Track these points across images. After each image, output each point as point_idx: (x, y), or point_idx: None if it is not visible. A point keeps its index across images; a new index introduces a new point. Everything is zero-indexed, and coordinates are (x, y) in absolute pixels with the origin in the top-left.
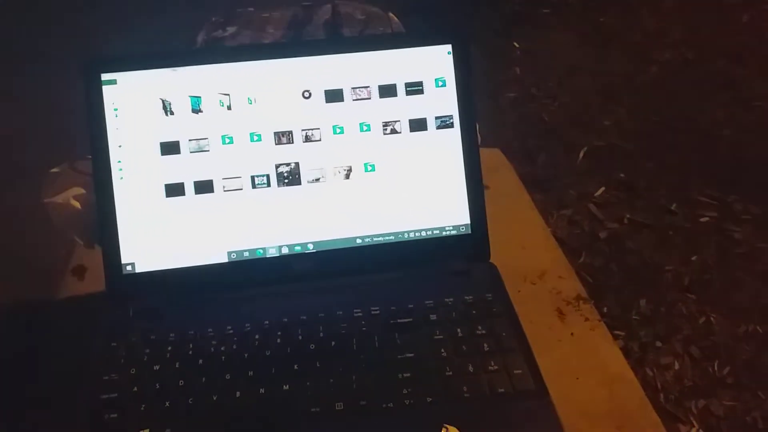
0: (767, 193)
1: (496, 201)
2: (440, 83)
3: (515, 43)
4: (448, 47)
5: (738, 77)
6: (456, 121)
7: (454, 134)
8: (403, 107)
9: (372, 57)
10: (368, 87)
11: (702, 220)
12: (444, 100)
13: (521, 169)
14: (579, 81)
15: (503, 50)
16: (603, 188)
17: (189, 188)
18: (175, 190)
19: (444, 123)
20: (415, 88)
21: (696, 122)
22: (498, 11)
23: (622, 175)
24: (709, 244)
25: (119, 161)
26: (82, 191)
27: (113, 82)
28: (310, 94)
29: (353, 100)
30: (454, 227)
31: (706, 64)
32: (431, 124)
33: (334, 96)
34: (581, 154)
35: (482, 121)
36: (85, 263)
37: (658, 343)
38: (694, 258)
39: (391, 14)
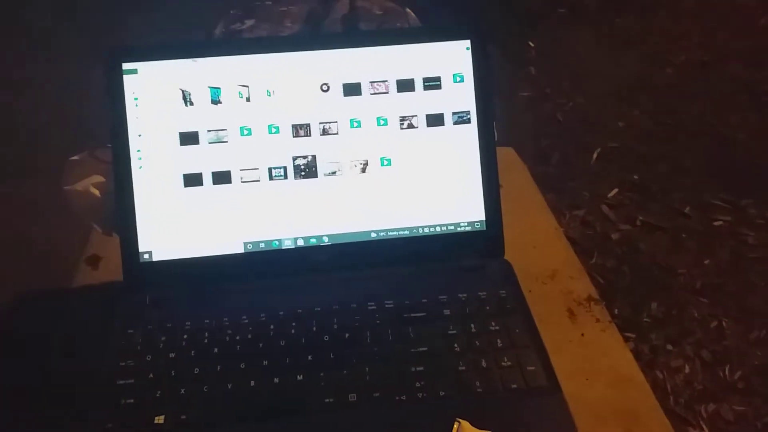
0: None
1: (508, 200)
2: (458, 78)
3: (530, 43)
4: (467, 42)
5: (754, 81)
6: (473, 116)
7: (471, 130)
8: (421, 102)
9: (390, 51)
10: (386, 81)
11: (715, 223)
12: (461, 96)
13: (534, 168)
14: (594, 82)
15: (518, 49)
16: (616, 189)
17: (207, 179)
18: (193, 180)
19: (461, 119)
20: (432, 83)
21: (711, 125)
22: (513, 10)
23: (635, 176)
24: (722, 248)
25: (138, 150)
26: (102, 179)
27: (134, 71)
28: (328, 88)
29: (371, 94)
30: (469, 223)
31: (722, 67)
32: (448, 119)
33: (352, 90)
34: (595, 155)
35: (496, 119)
36: (99, 253)
37: (669, 346)
38: (706, 261)
39: (408, 10)
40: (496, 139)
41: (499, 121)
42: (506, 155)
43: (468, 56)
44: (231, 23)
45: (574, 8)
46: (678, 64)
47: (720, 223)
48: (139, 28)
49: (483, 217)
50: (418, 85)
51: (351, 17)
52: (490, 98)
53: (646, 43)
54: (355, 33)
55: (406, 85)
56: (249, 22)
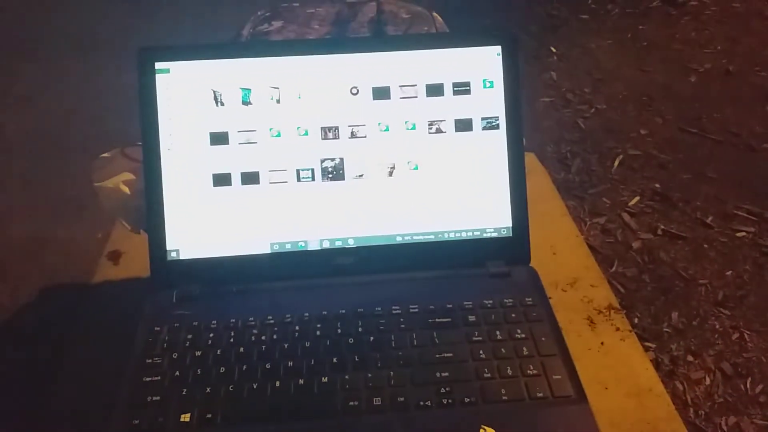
0: None
1: (530, 206)
2: (488, 84)
3: (552, 48)
4: (498, 48)
5: None
6: (502, 122)
7: (500, 136)
8: (450, 107)
9: (420, 56)
10: (415, 86)
11: (738, 234)
12: (491, 102)
13: (555, 174)
14: (616, 88)
15: (540, 55)
16: (637, 198)
17: (236, 179)
18: (222, 180)
19: (490, 124)
20: (462, 88)
21: (735, 134)
22: (536, 16)
23: (657, 185)
24: (745, 259)
25: (169, 149)
26: (132, 177)
27: (166, 71)
28: (357, 91)
29: (400, 98)
30: (496, 229)
31: (746, 75)
32: (477, 124)
33: (381, 93)
34: (616, 163)
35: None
36: (120, 248)
37: (690, 357)
38: (729, 273)
39: (435, 14)
40: (524, 145)
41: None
42: (527, 161)
43: (498, 62)
44: (258, 24)
45: (596, 14)
46: (702, 72)
47: (743, 234)
48: (167, 28)
49: (510, 224)
50: (448, 90)
51: (378, 21)
52: (520, 105)
53: (670, 50)
54: (385, 37)
55: (435, 90)
56: (277, 24)
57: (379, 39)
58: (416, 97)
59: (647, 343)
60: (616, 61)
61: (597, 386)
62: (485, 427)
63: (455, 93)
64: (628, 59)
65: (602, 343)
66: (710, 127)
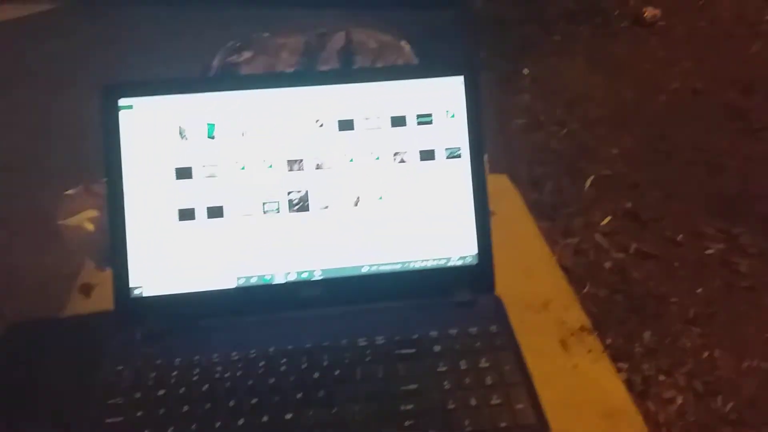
0: None
1: (502, 227)
2: (450, 114)
3: (525, 70)
4: (460, 79)
5: (746, 108)
6: (465, 152)
7: (463, 165)
8: (414, 137)
9: (385, 87)
10: (380, 117)
11: (708, 252)
12: (454, 131)
13: (528, 196)
14: (587, 109)
15: (513, 77)
16: (609, 217)
17: (201, 213)
18: (187, 214)
19: (453, 154)
20: (425, 119)
21: (704, 152)
22: (508, 38)
23: (628, 204)
24: (714, 276)
25: (133, 185)
26: (96, 213)
27: (130, 107)
28: (322, 123)
29: (365, 129)
30: (461, 258)
31: (714, 94)
32: (440, 154)
33: (346, 125)
34: (588, 183)
35: (490, 147)
36: (92, 281)
37: (662, 377)
38: (699, 290)
39: (403, 42)
40: (487, 172)
41: (492, 148)
42: (500, 182)
43: (461, 92)
44: (228, 55)
45: (568, 36)
46: (671, 91)
47: (712, 251)
48: (137, 60)
49: (475, 252)
50: (411, 120)
51: (347, 51)
52: (482, 134)
53: (640, 70)
54: (349, 70)
55: (399, 121)
56: (247, 54)
57: (343, 72)
58: (380, 128)
59: (620, 364)
60: (587, 81)
61: (570, 409)
62: None
63: (419, 123)
64: (599, 79)
65: (575, 366)
66: (680, 146)
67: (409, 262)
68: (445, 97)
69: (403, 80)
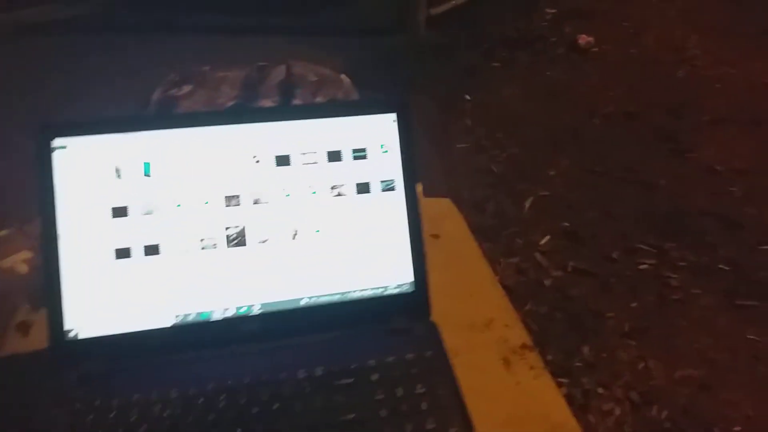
0: (701, 240)
1: (446, 249)
2: (384, 149)
3: (467, 96)
4: (393, 116)
5: (675, 130)
6: (399, 184)
7: (397, 197)
8: (349, 172)
9: (321, 124)
10: (316, 152)
11: (641, 267)
12: (388, 165)
13: (471, 218)
14: (526, 132)
15: (455, 102)
16: (548, 237)
17: (138, 252)
18: (123, 253)
19: (387, 186)
20: (360, 154)
21: (636, 173)
22: (451, 64)
23: (566, 224)
24: (648, 291)
25: (68, 225)
26: (30, 255)
27: (63, 147)
28: (259, 159)
29: (302, 164)
30: (398, 286)
31: (646, 117)
32: (375, 187)
33: (283, 161)
34: (528, 204)
35: (434, 171)
36: (29, 319)
37: (600, 390)
38: (634, 305)
39: (343, 76)
40: (418, 200)
41: (436, 172)
42: (443, 205)
43: (394, 128)
44: (169, 88)
45: (507, 62)
46: (605, 115)
47: (646, 266)
48: (78, 93)
49: (411, 280)
50: (347, 155)
51: (287, 84)
52: (415, 167)
53: (575, 95)
54: (285, 107)
55: (335, 156)
56: (186, 88)
57: (279, 109)
58: (317, 163)
59: (560, 379)
60: (526, 106)
61: (514, 427)
62: None
63: (354, 158)
64: (537, 104)
65: (518, 383)
66: (614, 167)
67: (348, 292)
68: (379, 132)
69: (339, 117)
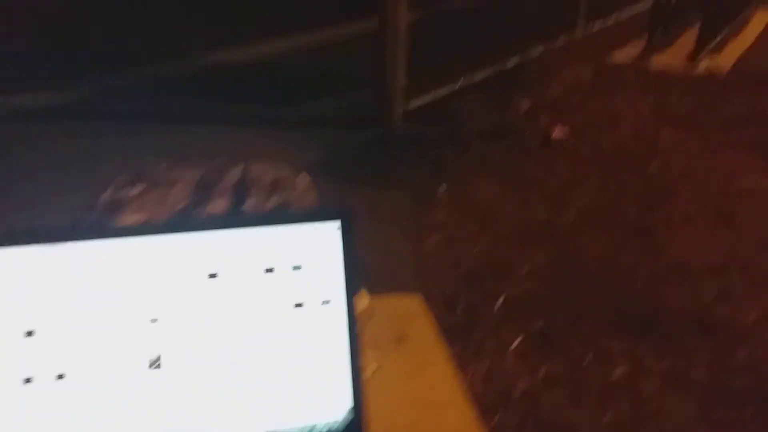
0: (676, 344)
1: (413, 352)
2: (325, 261)
3: (441, 188)
4: (337, 224)
5: (648, 224)
6: (341, 300)
7: (339, 313)
8: (287, 286)
9: (255, 234)
10: (248, 266)
11: (615, 373)
12: (328, 278)
13: (441, 317)
14: (499, 226)
15: (429, 195)
16: (520, 338)
17: (45, 377)
18: (30, 379)
19: (328, 302)
20: (300, 266)
21: (609, 269)
22: (426, 156)
23: (538, 323)
24: (621, 401)
25: None
26: None
27: None
28: (184, 276)
29: (230, 280)
30: (336, 409)
31: (619, 211)
32: (314, 303)
33: (210, 276)
34: (499, 302)
35: (406, 266)
36: None
37: None
38: (605, 418)
39: (302, 176)
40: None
41: (408, 268)
42: (413, 303)
43: (338, 237)
44: (120, 188)
45: (481, 154)
46: (578, 209)
47: (619, 374)
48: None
49: (351, 404)
50: (284, 268)
51: (241, 186)
52: (357, 280)
53: (549, 188)
54: (214, 219)
55: (271, 270)
56: (138, 188)
57: (210, 219)
58: (248, 278)
59: None
60: (500, 198)
61: None
62: None
63: (291, 270)
64: (511, 197)
65: None
66: (587, 263)
67: (280, 422)
68: (320, 242)
69: (276, 226)
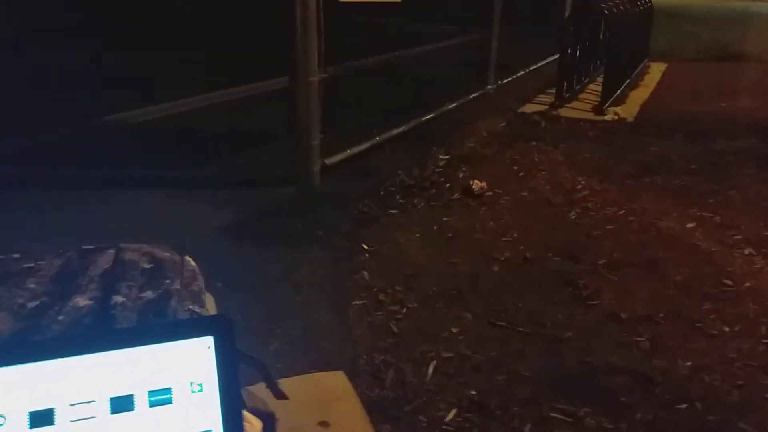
0: (616, 402)
1: None
2: (197, 386)
3: (364, 245)
4: (209, 340)
5: (573, 273)
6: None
7: None
8: (147, 422)
9: (103, 359)
10: (95, 401)
11: None
12: (200, 409)
13: (368, 392)
14: (426, 284)
15: (352, 254)
16: (454, 410)
17: None
18: None
19: None
20: (162, 397)
21: (541, 325)
22: (347, 214)
23: (473, 392)
24: None
25: None
26: None
27: None
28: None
29: (70, 422)
30: None
31: (542, 261)
32: None
33: (42, 419)
34: (431, 369)
35: (328, 336)
36: None
37: None
38: None
39: (187, 258)
40: None
41: (330, 338)
42: (335, 381)
43: (210, 356)
44: None
45: (404, 209)
46: (503, 261)
47: None
48: None
49: None
50: (141, 401)
51: (111, 275)
52: (238, 406)
53: (472, 240)
54: (46, 341)
55: (123, 404)
56: None
57: (52, 343)
58: (95, 417)
59: None
60: (425, 254)
61: None
62: None
63: (153, 404)
64: (436, 252)
65: None
66: (517, 319)
67: None
68: (190, 364)
69: (132, 348)
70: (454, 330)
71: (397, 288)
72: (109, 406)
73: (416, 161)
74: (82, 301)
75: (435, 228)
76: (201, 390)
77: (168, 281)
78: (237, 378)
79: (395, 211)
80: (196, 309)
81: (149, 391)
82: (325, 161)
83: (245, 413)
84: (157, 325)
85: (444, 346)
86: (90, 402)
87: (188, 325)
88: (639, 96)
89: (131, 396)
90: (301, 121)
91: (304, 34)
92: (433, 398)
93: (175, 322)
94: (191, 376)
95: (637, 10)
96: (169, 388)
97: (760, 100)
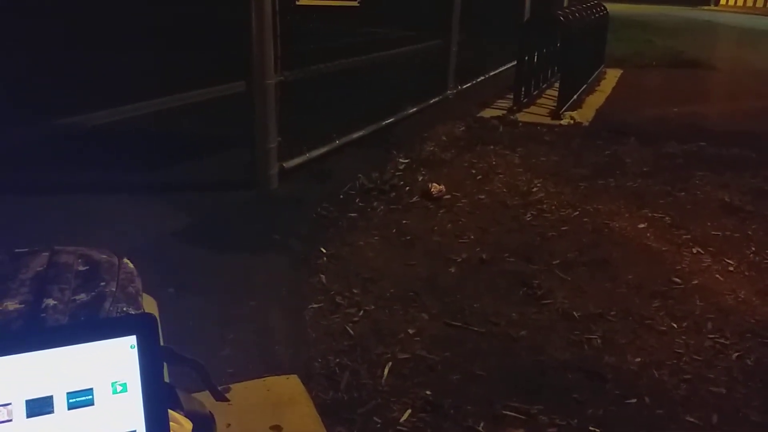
0: (567, 399)
1: None
2: (118, 388)
3: (322, 249)
4: (132, 339)
5: (528, 274)
6: None
7: None
8: (68, 424)
9: (22, 360)
10: (9, 405)
11: None
12: (124, 411)
13: (323, 395)
14: (383, 286)
15: (309, 258)
16: (409, 411)
17: None
18: None
19: None
20: (82, 399)
21: (496, 324)
22: (305, 217)
23: (428, 392)
24: None
25: None
26: None
27: None
28: None
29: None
30: None
31: (498, 263)
32: None
33: None
34: (386, 371)
35: (283, 341)
36: None
37: None
38: None
39: (126, 260)
40: None
41: (286, 341)
42: (289, 385)
43: (133, 357)
44: None
45: (363, 212)
46: (460, 262)
47: None
48: None
49: None
50: (60, 403)
51: (43, 278)
52: (164, 410)
53: (430, 243)
54: None
55: (41, 406)
56: None
57: None
58: (11, 420)
59: None
60: (383, 257)
61: None
62: None
63: (72, 406)
64: (394, 254)
65: None
66: (472, 319)
67: None
68: (113, 364)
69: (52, 349)
70: (410, 331)
71: (355, 291)
72: (25, 408)
73: (376, 165)
74: (11, 304)
75: (394, 231)
76: (124, 390)
77: (103, 283)
78: (161, 377)
79: (354, 215)
80: (131, 311)
81: (68, 393)
82: (284, 165)
83: (173, 413)
84: (79, 325)
85: (400, 348)
86: (6, 405)
87: (110, 325)
88: (595, 101)
89: (50, 398)
90: (258, 124)
91: (260, 36)
92: (388, 400)
93: (97, 322)
94: (114, 376)
95: (593, 17)
96: (91, 389)
97: (711, 105)
